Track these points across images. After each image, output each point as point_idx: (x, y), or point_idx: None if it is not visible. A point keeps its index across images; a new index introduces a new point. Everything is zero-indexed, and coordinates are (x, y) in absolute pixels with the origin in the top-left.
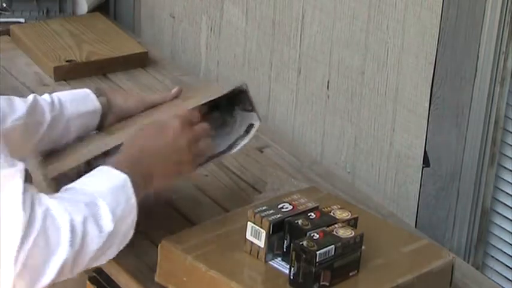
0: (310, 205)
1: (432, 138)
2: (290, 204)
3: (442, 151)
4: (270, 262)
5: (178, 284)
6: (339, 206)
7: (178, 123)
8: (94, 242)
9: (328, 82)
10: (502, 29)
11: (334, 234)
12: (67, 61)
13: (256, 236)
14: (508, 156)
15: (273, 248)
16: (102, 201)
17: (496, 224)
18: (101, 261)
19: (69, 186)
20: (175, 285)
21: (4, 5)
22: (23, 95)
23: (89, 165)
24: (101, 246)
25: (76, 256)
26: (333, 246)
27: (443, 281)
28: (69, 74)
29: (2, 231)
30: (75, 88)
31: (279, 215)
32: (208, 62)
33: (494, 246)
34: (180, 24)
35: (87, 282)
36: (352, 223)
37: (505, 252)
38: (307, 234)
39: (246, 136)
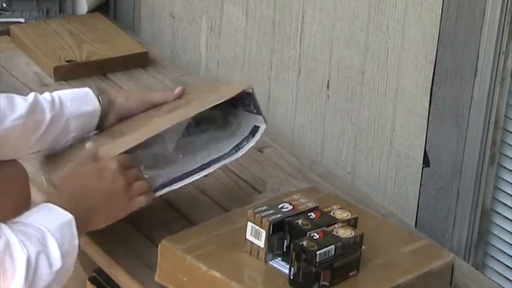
0: (310, 205)
1: (432, 138)
2: (290, 204)
3: (442, 151)
4: (270, 262)
5: (178, 284)
6: (339, 206)
7: (115, 167)
8: (44, 278)
9: (328, 82)
10: (502, 29)
11: (334, 234)
12: (67, 61)
13: (256, 236)
14: (508, 156)
15: (273, 248)
16: (52, 238)
17: (496, 224)
18: None
19: (16, 219)
20: (175, 285)
21: (4, 5)
22: (23, 95)
23: None
24: (49, 283)
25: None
26: (333, 246)
27: (443, 281)
28: (69, 74)
29: None
30: (75, 88)
31: (279, 215)
32: (208, 62)
33: (494, 246)
34: (180, 24)
35: (87, 282)
36: (352, 223)
37: (505, 252)
38: (307, 234)
39: (252, 139)
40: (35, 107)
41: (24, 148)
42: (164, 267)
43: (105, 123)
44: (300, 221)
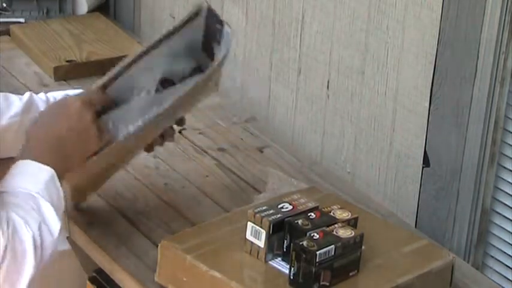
0: (310, 205)
1: (432, 138)
2: (290, 204)
3: (442, 151)
4: (270, 262)
5: (178, 284)
6: (339, 206)
7: (79, 103)
8: (49, 246)
9: (328, 82)
10: (502, 29)
11: (334, 234)
12: (67, 61)
13: (256, 236)
14: (508, 156)
15: (273, 248)
16: (45, 202)
17: (496, 224)
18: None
19: (2, 189)
20: (175, 285)
21: (4, 5)
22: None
23: None
24: (53, 247)
25: (38, 266)
26: (333, 246)
27: (443, 281)
28: (69, 74)
29: None
30: (75, 88)
31: (279, 215)
32: None
33: (494, 246)
34: None
35: (87, 282)
36: (352, 223)
37: (505, 252)
38: (307, 234)
39: (219, 46)
40: (30, 106)
41: (20, 146)
42: (164, 267)
43: None
44: (300, 221)
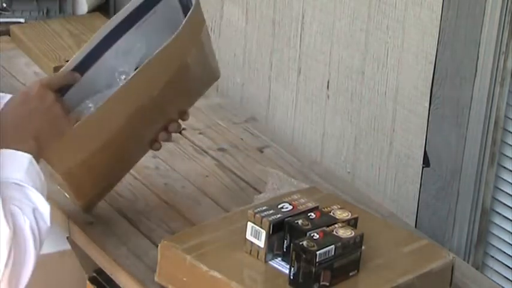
0: (310, 205)
1: (432, 138)
2: (290, 204)
3: (442, 151)
4: (270, 262)
5: (178, 284)
6: (339, 206)
7: (38, 85)
8: (45, 230)
9: (328, 82)
10: (502, 29)
11: (334, 234)
12: (67, 61)
13: (256, 236)
14: (508, 156)
15: (273, 248)
16: (31, 188)
17: (496, 224)
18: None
19: None
20: (175, 285)
21: (4, 5)
22: None
23: None
24: (48, 230)
25: (38, 255)
26: (333, 246)
27: (443, 281)
28: None
29: None
30: None
31: (279, 215)
32: None
33: (494, 246)
34: None
35: (87, 282)
36: (352, 223)
37: (505, 252)
38: (307, 234)
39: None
40: None
41: None
42: (164, 267)
43: None
44: (300, 221)
